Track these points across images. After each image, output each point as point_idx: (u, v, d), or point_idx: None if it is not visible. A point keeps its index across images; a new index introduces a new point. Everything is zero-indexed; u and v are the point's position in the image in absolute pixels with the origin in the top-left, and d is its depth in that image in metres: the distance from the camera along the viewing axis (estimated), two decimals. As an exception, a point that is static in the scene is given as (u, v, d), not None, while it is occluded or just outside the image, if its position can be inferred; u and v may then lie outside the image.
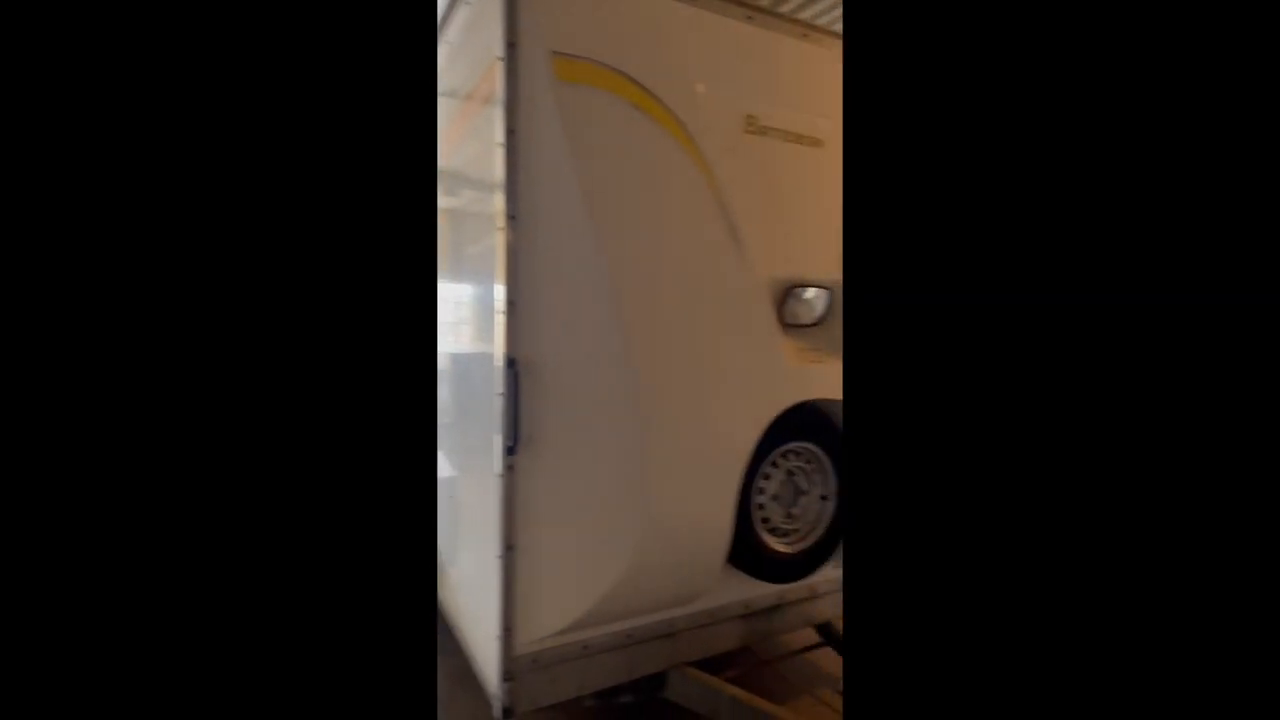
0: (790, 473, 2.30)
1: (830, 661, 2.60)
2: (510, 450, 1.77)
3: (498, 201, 1.78)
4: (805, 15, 4.02)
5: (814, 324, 2.28)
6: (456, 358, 2.47)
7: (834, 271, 2.28)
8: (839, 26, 3.57)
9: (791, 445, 2.27)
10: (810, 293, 2.26)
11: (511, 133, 1.75)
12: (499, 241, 1.78)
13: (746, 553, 2.18)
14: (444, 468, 2.55)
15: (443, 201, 2.60)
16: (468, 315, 2.32)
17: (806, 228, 2.23)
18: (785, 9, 3.52)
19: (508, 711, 1.86)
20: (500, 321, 1.76)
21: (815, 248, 2.25)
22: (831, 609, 2.53)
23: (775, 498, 2.27)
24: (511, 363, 1.75)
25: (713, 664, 2.22)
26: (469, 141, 2.23)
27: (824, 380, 2.23)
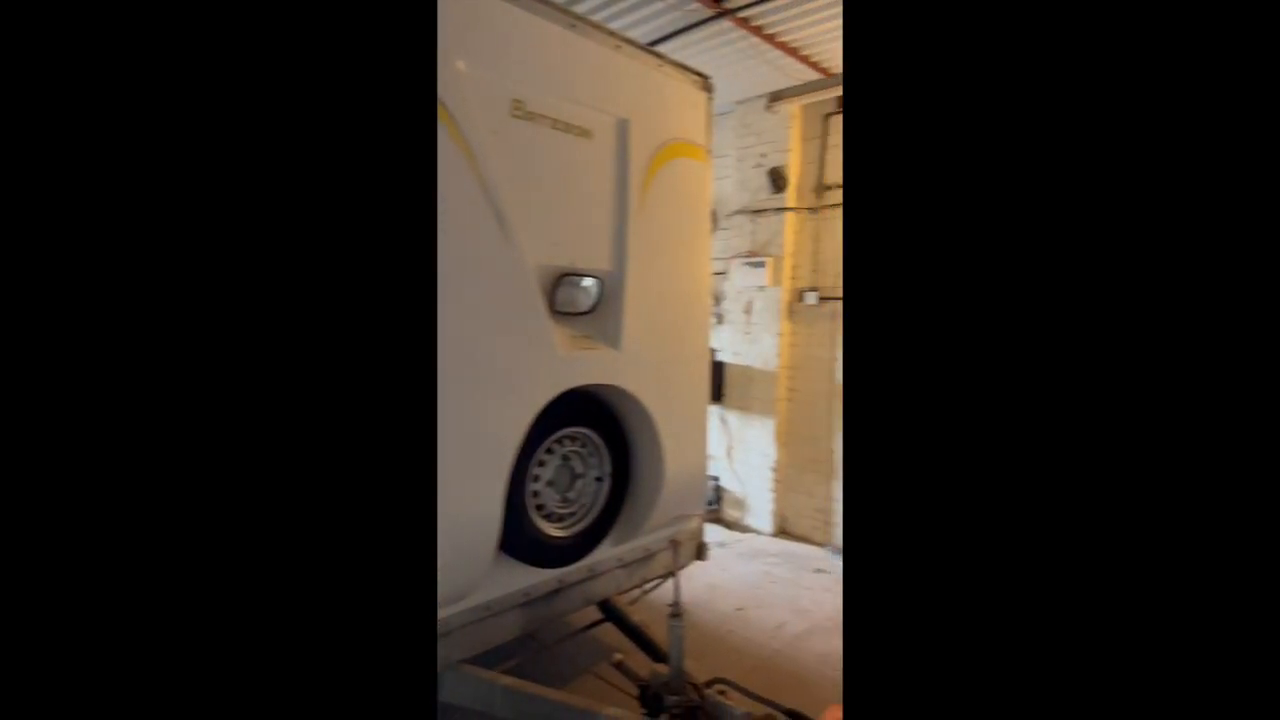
0: (565, 458, 2.34)
1: (611, 636, 2.70)
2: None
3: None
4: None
5: (587, 312, 2.33)
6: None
7: (603, 261, 2.35)
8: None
9: (567, 431, 2.31)
10: (584, 281, 2.31)
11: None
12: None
13: (522, 541, 2.17)
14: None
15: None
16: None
17: (576, 217, 2.26)
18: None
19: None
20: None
21: (585, 237, 2.29)
22: (611, 585, 2.63)
23: (550, 483, 2.29)
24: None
25: (493, 656, 2.18)
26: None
27: (598, 366, 2.29)
